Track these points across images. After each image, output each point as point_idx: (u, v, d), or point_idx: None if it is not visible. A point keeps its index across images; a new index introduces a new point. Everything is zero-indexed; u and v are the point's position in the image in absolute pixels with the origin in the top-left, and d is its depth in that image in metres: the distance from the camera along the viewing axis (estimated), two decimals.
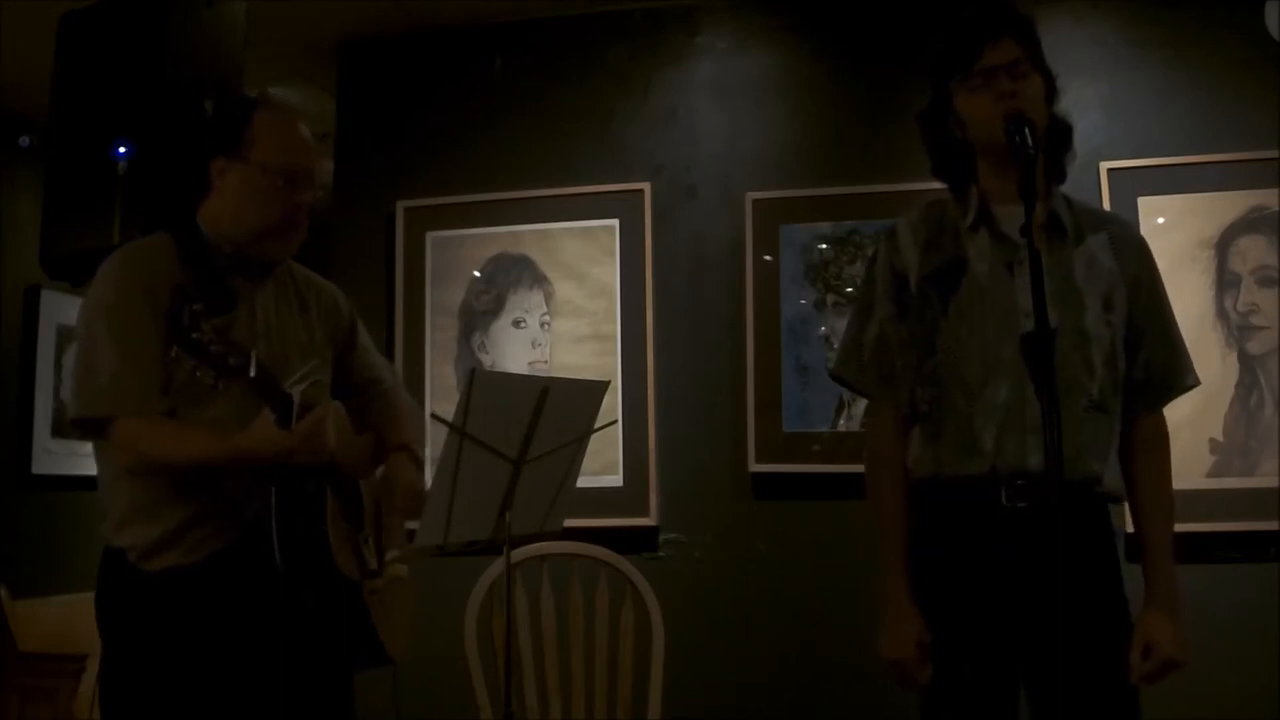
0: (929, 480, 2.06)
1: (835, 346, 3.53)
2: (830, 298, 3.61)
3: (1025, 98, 1.98)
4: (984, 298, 2.02)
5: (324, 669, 2.15)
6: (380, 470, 2.30)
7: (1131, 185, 3.35)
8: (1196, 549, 3.12)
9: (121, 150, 2.47)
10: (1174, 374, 2.10)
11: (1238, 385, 3.29)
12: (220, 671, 2.02)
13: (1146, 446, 2.08)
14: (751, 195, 3.70)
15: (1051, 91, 2.07)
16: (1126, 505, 2.09)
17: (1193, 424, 3.24)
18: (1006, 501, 1.95)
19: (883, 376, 2.13)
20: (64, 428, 5.07)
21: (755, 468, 3.60)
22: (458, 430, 2.04)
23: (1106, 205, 3.27)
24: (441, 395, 3.80)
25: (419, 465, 2.36)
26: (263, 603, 2.04)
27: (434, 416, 3.46)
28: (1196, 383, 2.13)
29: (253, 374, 1.94)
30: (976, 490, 1.98)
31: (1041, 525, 1.88)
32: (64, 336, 5.12)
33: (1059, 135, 2.08)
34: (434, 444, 3.63)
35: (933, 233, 2.11)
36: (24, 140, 4.39)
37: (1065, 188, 2.13)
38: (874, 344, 2.13)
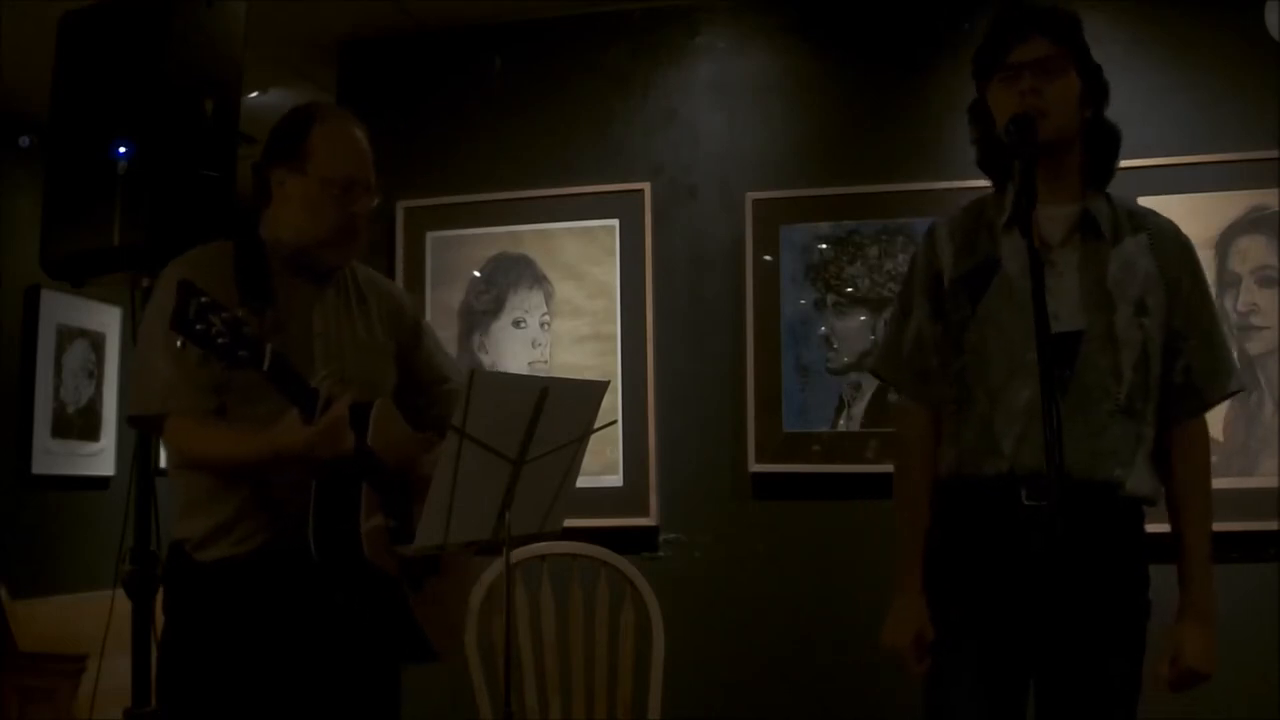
0: (950, 479, 2.07)
1: (835, 346, 3.59)
2: (830, 298, 3.61)
3: (1049, 96, 1.97)
4: (1012, 299, 2.02)
5: (360, 662, 2.21)
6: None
7: (1132, 185, 3.33)
8: None
9: (121, 150, 2.48)
10: (1215, 380, 2.06)
11: None
12: (264, 659, 2.11)
13: (1185, 453, 2.05)
14: (751, 195, 3.70)
15: (1094, 91, 2.05)
16: (1152, 507, 2.06)
17: None
18: (1027, 500, 1.95)
19: (917, 374, 2.15)
20: (64, 428, 5.08)
21: (755, 468, 3.60)
22: (457, 430, 2.04)
23: None
24: None
25: None
26: (303, 595, 2.12)
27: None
28: (1240, 388, 2.10)
29: (265, 367, 1.95)
30: (996, 490, 1.99)
31: (1056, 522, 1.88)
32: (64, 336, 5.13)
33: (1099, 137, 2.07)
34: None
35: (969, 232, 2.12)
36: (24, 140, 4.39)
37: None
38: (912, 342, 2.15)
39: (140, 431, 2.26)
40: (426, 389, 2.43)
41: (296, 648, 2.13)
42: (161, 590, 2.24)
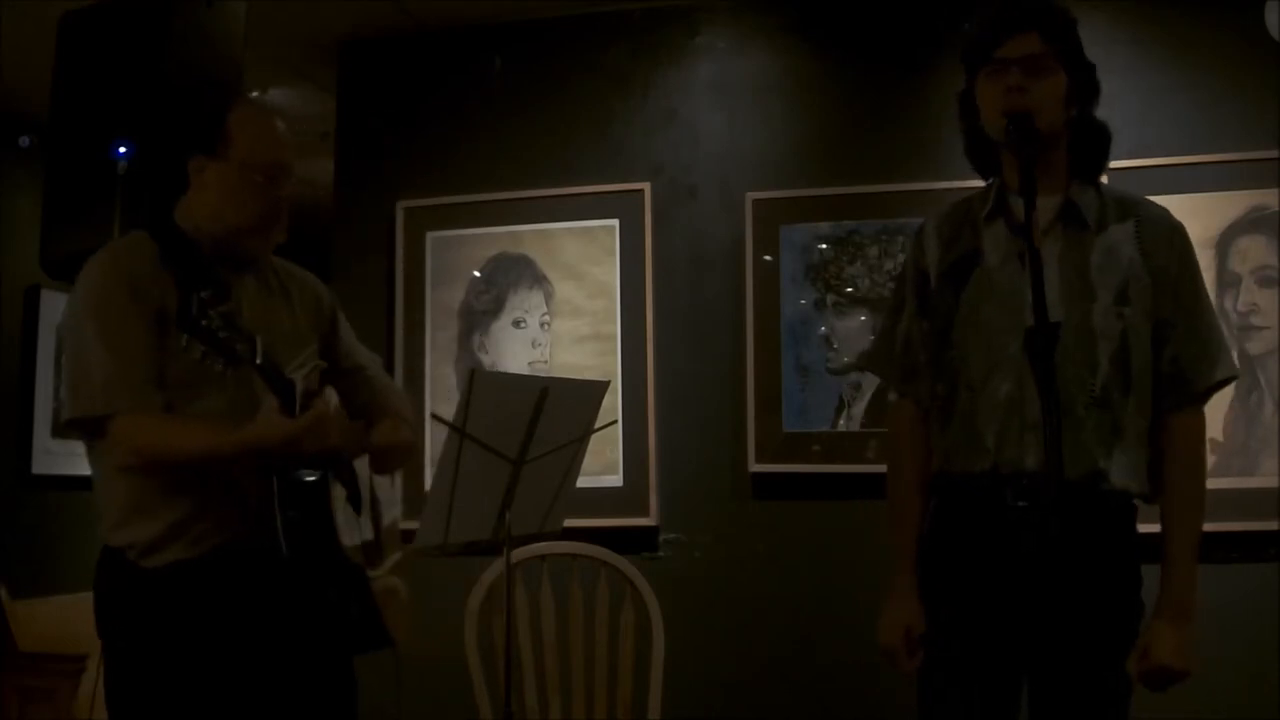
0: (938, 475, 2.08)
1: (835, 346, 3.59)
2: (830, 298, 3.61)
3: (1035, 93, 1.95)
4: (993, 290, 2.01)
5: (332, 657, 2.17)
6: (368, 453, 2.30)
7: (1131, 185, 3.33)
8: None
9: (121, 150, 2.47)
10: (1203, 368, 2.01)
11: (1238, 385, 3.28)
12: (231, 664, 2.02)
13: (1176, 446, 2.01)
14: (751, 195, 3.70)
15: (1083, 90, 2.03)
16: (1147, 505, 2.04)
17: None
18: (1011, 500, 1.95)
19: (907, 371, 2.15)
20: (64, 428, 5.07)
21: (755, 468, 3.60)
22: (457, 430, 2.04)
23: None
24: (441, 396, 3.80)
25: (409, 425, 2.37)
26: (270, 593, 2.05)
27: (434, 416, 3.46)
28: (1230, 375, 2.04)
29: (258, 360, 1.92)
30: (982, 487, 1.98)
31: (1043, 523, 1.87)
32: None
33: (1085, 134, 2.05)
34: (434, 444, 3.64)
35: (955, 228, 2.12)
36: (24, 140, 4.38)
37: None
38: (903, 339, 2.16)
39: (80, 435, 2.12)
40: (346, 378, 2.36)
41: (263, 649, 2.05)
42: (95, 608, 2.10)
